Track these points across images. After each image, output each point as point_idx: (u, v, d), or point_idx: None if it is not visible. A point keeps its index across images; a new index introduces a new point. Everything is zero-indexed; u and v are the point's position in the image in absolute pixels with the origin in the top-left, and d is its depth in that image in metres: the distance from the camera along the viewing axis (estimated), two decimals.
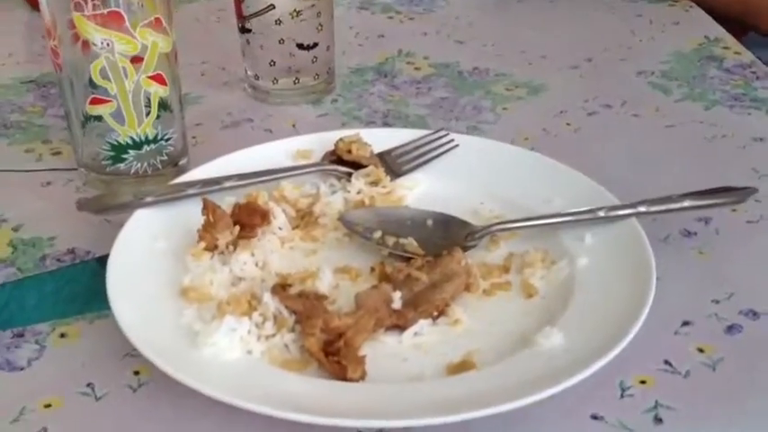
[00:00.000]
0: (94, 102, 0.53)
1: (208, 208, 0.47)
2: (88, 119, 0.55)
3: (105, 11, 0.50)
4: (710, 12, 0.88)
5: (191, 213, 0.49)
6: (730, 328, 0.45)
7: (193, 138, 0.62)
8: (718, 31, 0.83)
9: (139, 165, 0.56)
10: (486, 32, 0.83)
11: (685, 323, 0.45)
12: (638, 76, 0.74)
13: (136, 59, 0.52)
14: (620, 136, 0.65)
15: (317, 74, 0.68)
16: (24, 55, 0.79)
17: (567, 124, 0.67)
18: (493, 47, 0.79)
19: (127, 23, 0.51)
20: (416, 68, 0.75)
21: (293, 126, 0.65)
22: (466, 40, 0.81)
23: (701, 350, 0.44)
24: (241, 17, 0.66)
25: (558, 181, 0.54)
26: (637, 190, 0.52)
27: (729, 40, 0.81)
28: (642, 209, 0.50)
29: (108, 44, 0.51)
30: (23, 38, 0.84)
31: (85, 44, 0.53)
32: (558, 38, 0.82)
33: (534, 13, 0.88)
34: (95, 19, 0.50)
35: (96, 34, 0.51)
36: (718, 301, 0.47)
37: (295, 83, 0.68)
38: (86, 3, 0.50)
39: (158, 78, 0.54)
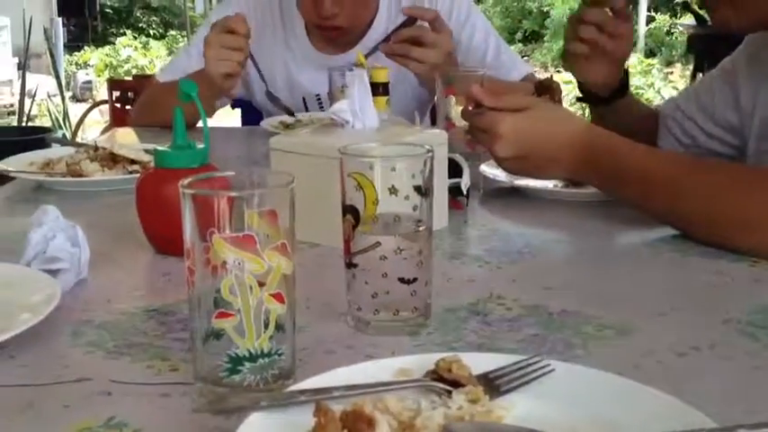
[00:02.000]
0: (220, 315, 0.59)
1: (320, 410, 0.50)
2: (210, 335, 0.60)
3: (241, 234, 0.58)
4: None
5: (300, 419, 0.52)
6: None
7: (299, 360, 0.66)
8: None
9: (252, 377, 0.60)
10: (572, 281, 0.88)
11: None
12: (723, 324, 0.77)
13: (261, 279, 0.59)
14: (712, 376, 0.67)
15: (415, 307, 0.73)
16: (147, 289, 0.87)
17: (658, 362, 0.69)
18: (579, 293, 0.84)
19: (258, 246, 0.58)
20: (507, 309, 0.79)
21: (392, 353, 0.69)
22: (553, 287, 0.85)
23: None
24: (348, 253, 0.73)
25: (655, 407, 0.55)
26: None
27: None
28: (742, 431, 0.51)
29: (239, 263, 0.58)
30: (146, 276, 0.93)
31: (214, 268, 0.59)
32: (642, 288, 0.86)
33: (615, 267, 0.94)
34: (231, 240, 0.58)
35: (230, 254, 0.58)
36: None
37: (394, 314, 0.73)
38: (224, 230, 0.58)
39: (278, 297, 0.59)
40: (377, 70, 1.42)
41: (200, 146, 0.94)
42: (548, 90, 1.31)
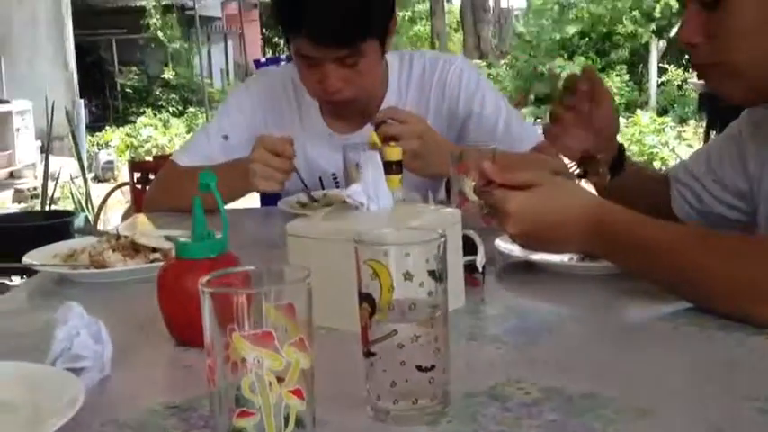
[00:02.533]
0: (242, 415, 0.60)
1: None
2: None
3: (259, 331, 0.59)
4: None
5: None
6: None
7: None
8: None
9: None
10: (589, 361, 0.88)
11: None
12: (744, 402, 0.76)
13: (280, 375, 0.60)
14: None
15: (434, 394, 0.73)
16: (168, 384, 0.88)
17: None
18: (597, 374, 0.84)
19: (276, 342, 0.59)
20: (526, 393, 0.79)
21: None
22: (570, 368, 0.85)
23: None
24: (366, 343, 0.74)
25: None
26: None
27: None
28: None
29: (258, 361, 0.59)
30: (168, 369, 0.94)
31: (234, 364, 0.61)
32: (661, 365, 0.86)
33: (632, 344, 0.94)
34: (250, 338, 0.59)
35: (250, 352, 0.59)
36: None
37: (413, 403, 0.73)
38: (243, 325, 0.59)
39: (298, 393, 0.60)
40: (390, 149, 1.45)
41: (219, 235, 0.96)
42: (592, 162, 1.32)
